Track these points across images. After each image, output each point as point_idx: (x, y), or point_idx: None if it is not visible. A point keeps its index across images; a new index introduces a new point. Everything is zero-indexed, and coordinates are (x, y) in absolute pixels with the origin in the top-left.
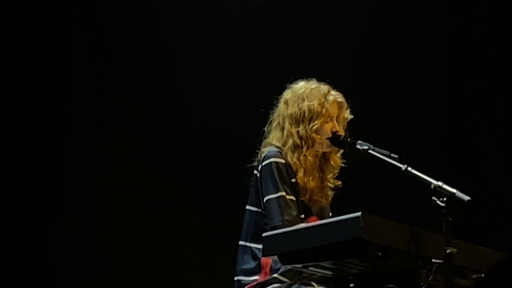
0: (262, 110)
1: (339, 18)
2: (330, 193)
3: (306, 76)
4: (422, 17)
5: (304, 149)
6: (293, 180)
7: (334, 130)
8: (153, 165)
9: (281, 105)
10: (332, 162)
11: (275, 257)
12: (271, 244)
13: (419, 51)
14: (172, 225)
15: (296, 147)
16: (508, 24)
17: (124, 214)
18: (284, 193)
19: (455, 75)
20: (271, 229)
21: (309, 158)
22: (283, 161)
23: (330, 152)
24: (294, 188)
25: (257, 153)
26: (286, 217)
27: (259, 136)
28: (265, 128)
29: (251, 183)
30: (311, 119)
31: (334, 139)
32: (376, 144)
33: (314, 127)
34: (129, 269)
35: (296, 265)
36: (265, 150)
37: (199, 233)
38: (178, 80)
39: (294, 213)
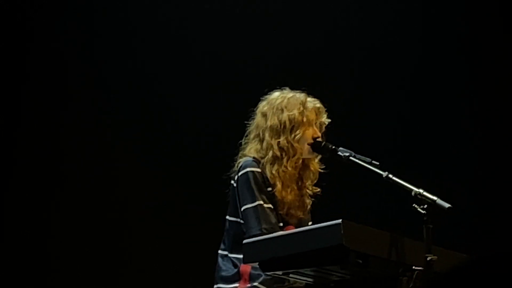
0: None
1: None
2: (309, 201)
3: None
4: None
5: (285, 160)
6: (270, 189)
7: (315, 136)
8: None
9: (259, 117)
10: (311, 168)
11: (256, 264)
12: (251, 251)
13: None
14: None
15: (275, 159)
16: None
17: (125, 215)
18: (261, 202)
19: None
20: (249, 239)
21: (289, 169)
22: (259, 170)
23: (310, 158)
24: (272, 198)
25: (234, 164)
26: (264, 226)
27: (236, 148)
28: (242, 141)
29: (229, 193)
30: (292, 129)
31: (316, 146)
32: (359, 151)
33: (296, 137)
34: (132, 270)
35: (277, 272)
36: (241, 160)
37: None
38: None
39: (273, 220)
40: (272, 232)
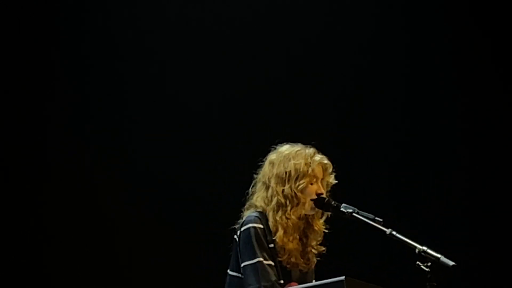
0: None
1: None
2: (314, 259)
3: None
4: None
5: (289, 208)
6: (272, 245)
7: (318, 192)
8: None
9: (266, 165)
10: (316, 228)
11: None
12: None
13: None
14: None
15: (280, 206)
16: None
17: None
18: (261, 259)
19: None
20: None
21: (293, 217)
22: (261, 226)
23: (314, 217)
24: (272, 252)
25: (241, 213)
26: (264, 283)
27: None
28: (249, 190)
29: (232, 246)
30: (297, 178)
31: (318, 202)
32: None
33: (300, 187)
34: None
35: None
36: (244, 215)
37: None
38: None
39: (273, 278)
40: None
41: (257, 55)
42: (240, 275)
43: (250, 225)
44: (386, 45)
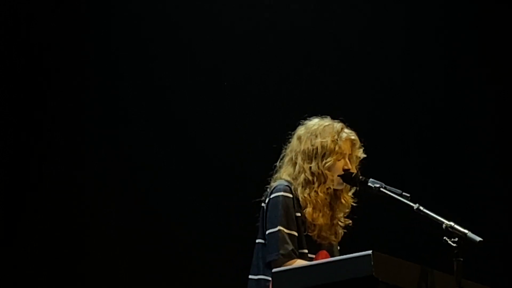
0: (274, 146)
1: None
2: (341, 231)
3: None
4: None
5: (316, 185)
6: (299, 214)
7: (346, 167)
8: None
9: (294, 141)
10: (343, 201)
11: None
12: (281, 280)
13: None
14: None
15: (307, 183)
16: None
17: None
18: (282, 228)
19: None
20: (267, 264)
21: (320, 194)
22: (290, 195)
23: (342, 191)
24: (300, 223)
25: (267, 187)
26: (282, 251)
27: (269, 170)
28: (277, 163)
29: (259, 216)
30: (323, 156)
31: (346, 177)
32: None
33: (327, 164)
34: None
35: None
36: (274, 184)
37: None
38: (183, 109)
39: (290, 248)
40: (288, 259)
41: None
42: (265, 242)
43: (280, 193)
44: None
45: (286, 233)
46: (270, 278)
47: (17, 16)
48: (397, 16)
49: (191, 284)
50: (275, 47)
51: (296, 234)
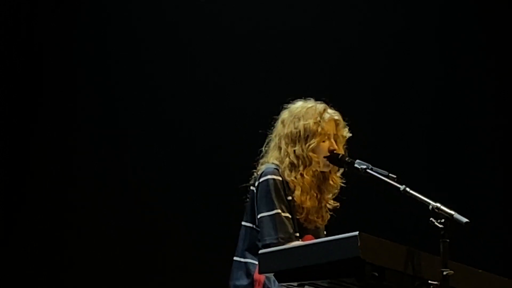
0: (260, 131)
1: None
2: (327, 214)
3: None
4: None
5: (301, 168)
6: (290, 197)
7: (331, 148)
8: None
9: (278, 125)
10: (331, 182)
11: (271, 275)
12: (267, 261)
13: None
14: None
15: (293, 166)
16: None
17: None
18: (279, 211)
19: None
20: (264, 247)
21: (306, 177)
22: (280, 178)
23: (330, 172)
24: (290, 206)
25: (254, 172)
26: (281, 235)
27: (256, 156)
28: (263, 148)
29: (247, 199)
30: (307, 138)
31: (332, 158)
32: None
33: (310, 146)
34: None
35: (292, 284)
36: (262, 167)
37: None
38: (183, 109)
39: (290, 231)
40: (288, 242)
41: None
42: (254, 226)
43: (270, 176)
44: None
45: (283, 216)
46: (253, 261)
47: (17, 16)
48: (397, 16)
49: (191, 284)
50: (275, 47)
51: (291, 217)
